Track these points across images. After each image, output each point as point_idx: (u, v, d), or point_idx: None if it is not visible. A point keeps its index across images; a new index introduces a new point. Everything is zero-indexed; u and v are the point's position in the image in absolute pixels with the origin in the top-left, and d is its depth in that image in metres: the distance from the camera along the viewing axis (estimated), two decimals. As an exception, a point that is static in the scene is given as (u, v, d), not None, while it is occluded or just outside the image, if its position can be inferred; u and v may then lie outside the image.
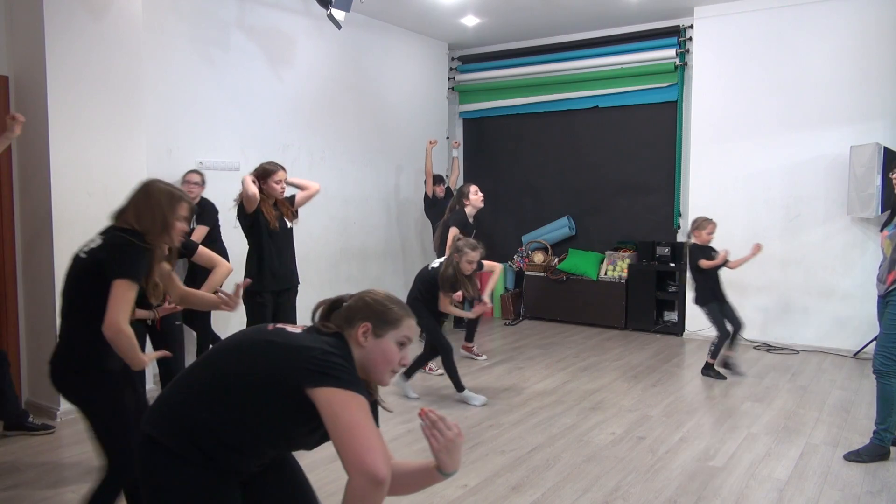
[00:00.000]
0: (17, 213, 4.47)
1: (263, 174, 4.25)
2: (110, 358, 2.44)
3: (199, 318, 5.12)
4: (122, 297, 2.33)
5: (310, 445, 1.84)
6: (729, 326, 5.31)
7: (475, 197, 5.54)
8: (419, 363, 4.78)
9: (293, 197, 4.51)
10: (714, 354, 5.33)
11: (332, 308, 1.88)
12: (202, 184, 5.08)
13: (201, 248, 3.48)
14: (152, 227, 2.46)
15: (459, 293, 4.63)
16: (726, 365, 5.42)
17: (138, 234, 2.44)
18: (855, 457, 3.63)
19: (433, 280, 4.56)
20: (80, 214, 4.31)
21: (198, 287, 3.43)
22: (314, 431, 1.76)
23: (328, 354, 1.70)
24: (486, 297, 4.80)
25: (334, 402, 1.62)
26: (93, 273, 2.39)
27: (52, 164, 4.20)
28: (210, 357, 1.82)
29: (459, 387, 4.62)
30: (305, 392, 1.64)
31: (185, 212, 2.56)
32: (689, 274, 5.51)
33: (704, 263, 5.20)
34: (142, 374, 3.59)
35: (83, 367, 2.44)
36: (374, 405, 1.88)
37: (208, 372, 1.77)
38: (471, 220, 5.63)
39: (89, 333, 2.39)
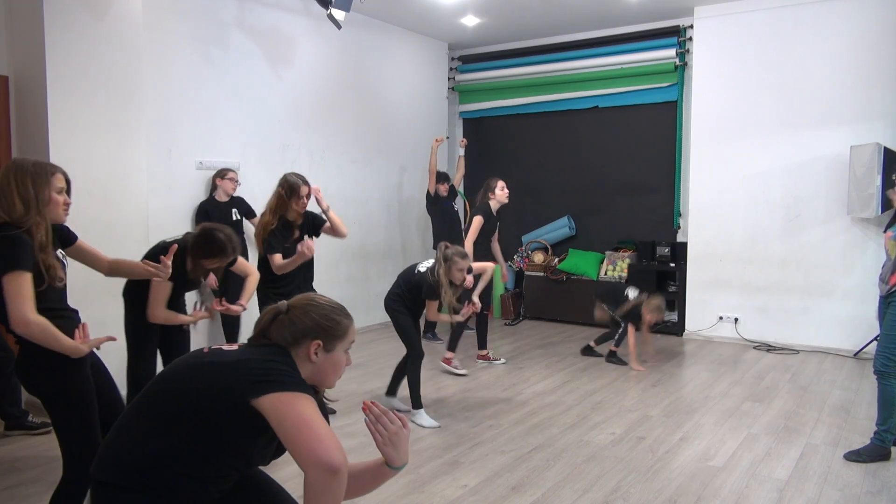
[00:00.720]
0: (17, 213, 4.46)
1: (290, 191, 4.15)
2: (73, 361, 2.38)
3: (229, 325, 5.32)
4: (18, 291, 2.21)
5: (267, 459, 1.83)
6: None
7: (501, 192, 5.55)
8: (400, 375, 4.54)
9: (320, 219, 4.39)
10: (618, 342, 5.72)
11: (270, 322, 1.83)
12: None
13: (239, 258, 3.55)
14: (21, 209, 2.28)
15: (470, 278, 4.47)
16: (611, 356, 5.77)
17: (8, 225, 2.27)
18: (855, 456, 3.62)
19: (418, 285, 4.33)
20: (80, 214, 4.28)
21: (233, 296, 3.61)
22: (270, 443, 1.76)
23: (267, 362, 1.70)
24: (475, 297, 4.72)
25: (279, 405, 1.62)
26: None
27: (52, 164, 4.20)
28: (151, 391, 1.77)
29: (417, 403, 4.33)
30: (251, 404, 1.62)
31: (60, 182, 2.41)
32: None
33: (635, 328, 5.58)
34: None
35: (45, 358, 2.34)
36: (321, 405, 1.86)
37: (152, 407, 1.73)
38: (495, 213, 5.62)
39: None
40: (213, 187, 5.47)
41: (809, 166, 6.19)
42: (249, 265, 3.78)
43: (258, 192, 5.96)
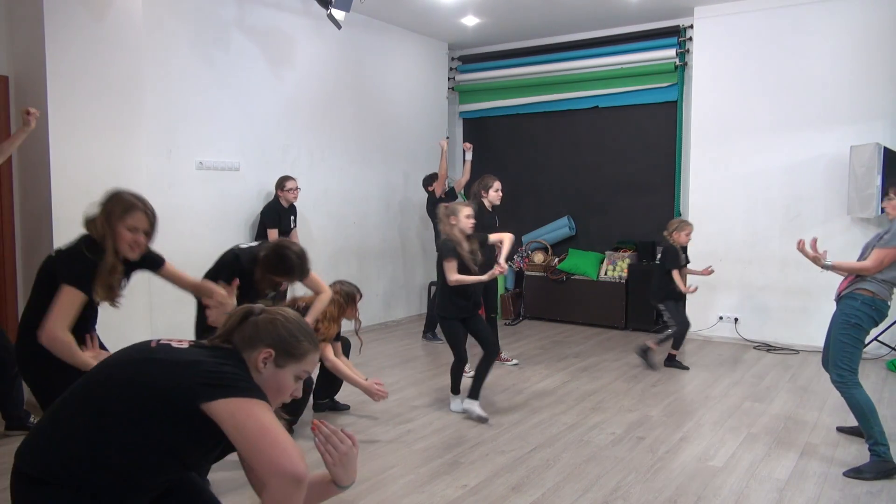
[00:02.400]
0: (17, 213, 4.47)
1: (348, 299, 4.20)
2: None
3: None
4: (64, 305, 2.36)
5: (203, 468, 1.77)
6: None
7: (494, 194, 5.50)
8: (480, 377, 4.40)
9: None
10: (676, 345, 5.55)
11: (239, 322, 1.77)
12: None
13: (312, 274, 3.57)
14: (100, 232, 2.49)
15: (505, 245, 4.53)
16: (671, 361, 5.62)
17: (92, 242, 2.49)
18: (855, 474, 3.42)
19: (439, 258, 4.33)
20: (80, 214, 4.24)
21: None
22: (210, 451, 1.68)
23: (220, 366, 1.63)
24: (502, 259, 4.60)
25: (235, 411, 1.54)
26: (49, 273, 2.48)
27: (52, 164, 4.20)
28: (89, 382, 1.67)
29: (456, 389, 4.50)
30: (200, 408, 1.55)
31: (135, 222, 2.54)
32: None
33: (676, 276, 5.42)
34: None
35: (44, 354, 2.43)
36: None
37: (88, 400, 1.63)
38: (490, 209, 5.55)
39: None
40: (276, 195, 5.80)
41: (809, 166, 6.19)
42: (322, 283, 3.75)
43: (258, 192, 5.97)
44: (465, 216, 4.29)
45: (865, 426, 3.46)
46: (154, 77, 5.06)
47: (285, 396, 1.76)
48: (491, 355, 4.39)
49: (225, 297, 2.85)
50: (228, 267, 3.31)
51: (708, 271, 5.54)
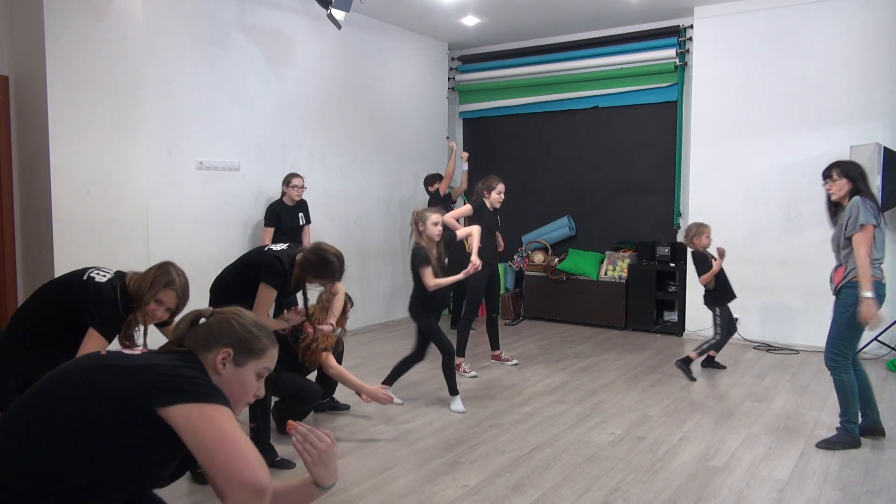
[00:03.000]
0: (17, 213, 4.47)
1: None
2: None
3: None
4: (90, 349, 2.45)
5: (162, 481, 1.65)
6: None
7: (496, 196, 5.48)
8: (403, 368, 4.56)
9: None
10: (702, 353, 5.38)
11: (189, 327, 1.72)
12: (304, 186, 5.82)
13: None
14: (135, 294, 2.65)
15: (474, 238, 4.76)
16: (710, 362, 5.55)
17: (127, 295, 2.63)
18: (826, 445, 3.77)
19: (412, 265, 4.39)
20: (80, 214, 4.32)
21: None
22: (166, 463, 1.58)
23: (177, 368, 1.55)
24: (474, 256, 4.74)
25: (194, 418, 1.46)
26: (74, 299, 2.57)
27: (52, 164, 4.20)
28: (36, 393, 1.57)
29: (454, 390, 4.53)
30: (157, 413, 1.46)
31: (164, 297, 2.67)
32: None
33: (704, 279, 5.32)
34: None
35: (28, 356, 2.59)
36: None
37: (34, 412, 1.53)
38: (491, 209, 5.53)
39: (35, 356, 2.56)
40: (282, 192, 5.78)
41: (809, 166, 6.17)
42: (338, 283, 3.75)
43: (258, 192, 5.97)
44: (431, 223, 4.38)
45: (844, 404, 3.76)
46: (154, 77, 5.06)
47: (249, 397, 1.70)
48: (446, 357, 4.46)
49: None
50: (276, 271, 3.31)
51: (720, 251, 5.31)
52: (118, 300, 2.59)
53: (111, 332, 2.58)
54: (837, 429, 3.85)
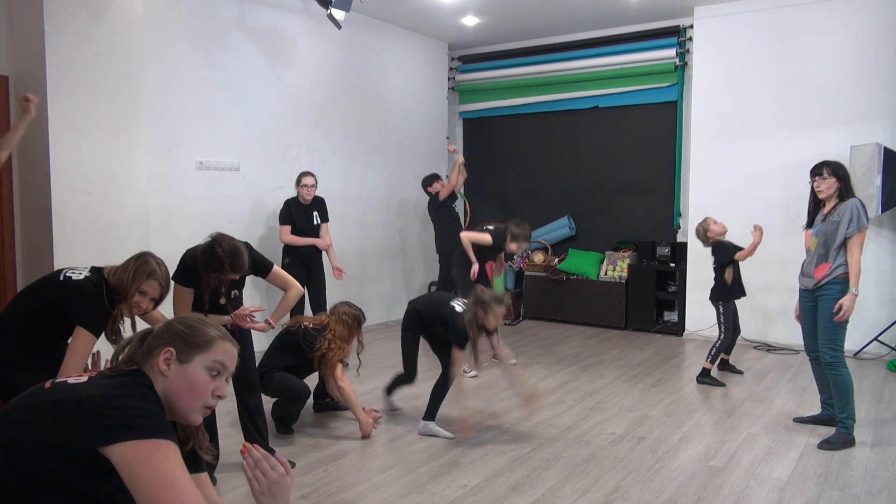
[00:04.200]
0: (17, 213, 4.47)
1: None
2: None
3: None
4: (80, 349, 2.46)
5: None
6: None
7: (514, 247, 5.37)
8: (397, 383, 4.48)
9: None
10: (714, 359, 5.19)
11: (140, 343, 1.62)
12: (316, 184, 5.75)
13: (275, 269, 3.54)
14: (118, 287, 2.63)
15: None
16: (726, 365, 5.42)
17: (110, 288, 2.62)
18: (828, 445, 3.80)
19: (450, 322, 4.01)
20: (80, 214, 4.31)
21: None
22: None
23: (118, 399, 1.43)
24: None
25: (131, 458, 1.35)
26: (55, 299, 2.55)
27: (52, 164, 4.20)
28: None
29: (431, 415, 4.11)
30: (100, 453, 1.36)
31: (147, 288, 2.66)
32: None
33: (741, 254, 5.17)
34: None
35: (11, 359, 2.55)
36: (194, 454, 1.64)
37: None
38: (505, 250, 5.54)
39: (25, 359, 2.55)
40: (297, 191, 5.75)
41: (809, 166, 6.12)
42: (291, 279, 3.57)
43: (258, 192, 5.97)
44: (493, 316, 3.90)
45: (844, 402, 3.80)
46: (154, 77, 5.06)
47: (205, 397, 1.59)
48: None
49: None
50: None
51: (758, 230, 5.15)
52: (102, 295, 2.57)
53: (99, 327, 2.56)
54: (837, 427, 3.87)
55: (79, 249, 4.29)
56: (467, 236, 5.54)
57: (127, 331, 2.75)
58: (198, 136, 5.45)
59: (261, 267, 3.47)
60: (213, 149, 5.58)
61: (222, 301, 3.29)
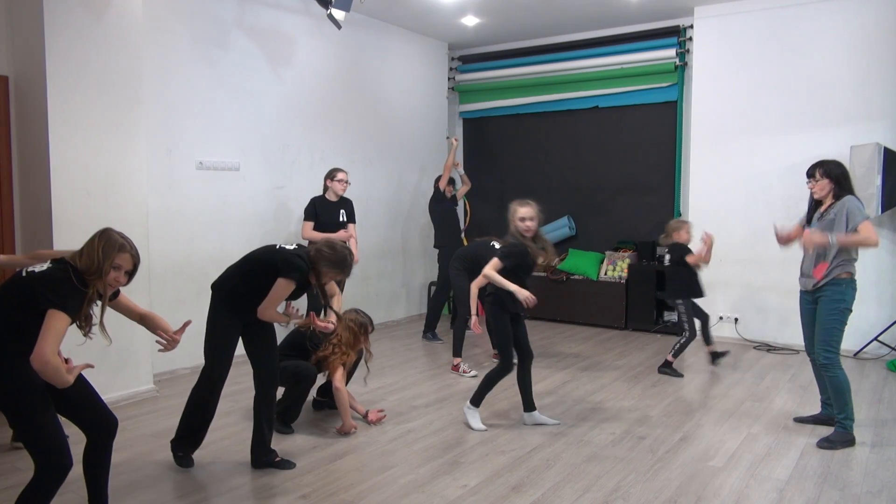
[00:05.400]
0: (17, 213, 4.47)
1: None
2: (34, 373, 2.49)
3: None
4: (54, 329, 2.42)
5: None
6: (697, 323, 5.48)
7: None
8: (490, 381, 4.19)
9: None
10: (677, 354, 5.40)
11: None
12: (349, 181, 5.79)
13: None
14: (89, 268, 2.58)
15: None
16: (715, 358, 5.59)
17: (78, 272, 2.57)
18: (827, 444, 3.82)
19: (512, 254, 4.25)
20: (80, 214, 4.31)
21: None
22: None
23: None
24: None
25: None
26: (26, 293, 2.51)
27: (52, 164, 4.19)
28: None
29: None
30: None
31: (121, 261, 2.64)
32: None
33: (692, 258, 5.34)
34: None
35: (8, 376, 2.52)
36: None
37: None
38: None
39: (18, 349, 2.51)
40: (325, 188, 5.72)
41: (809, 166, 6.17)
42: (334, 285, 3.82)
43: (258, 192, 5.97)
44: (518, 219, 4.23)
45: (842, 403, 3.82)
46: (154, 77, 5.06)
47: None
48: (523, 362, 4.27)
49: (177, 340, 2.95)
50: (297, 267, 3.33)
51: (707, 239, 5.26)
52: (71, 277, 2.53)
53: (74, 306, 2.50)
54: (835, 427, 3.88)
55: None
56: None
57: (97, 316, 2.69)
58: (198, 136, 5.45)
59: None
60: (213, 149, 5.58)
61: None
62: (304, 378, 4.02)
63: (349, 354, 4.08)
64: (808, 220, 4.03)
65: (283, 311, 3.49)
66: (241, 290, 3.42)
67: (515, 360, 4.21)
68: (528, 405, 4.25)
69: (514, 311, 4.18)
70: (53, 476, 2.55)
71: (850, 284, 3.81)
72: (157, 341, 2.95)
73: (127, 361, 4.60)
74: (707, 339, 5.57)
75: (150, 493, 3.25)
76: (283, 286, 3.32)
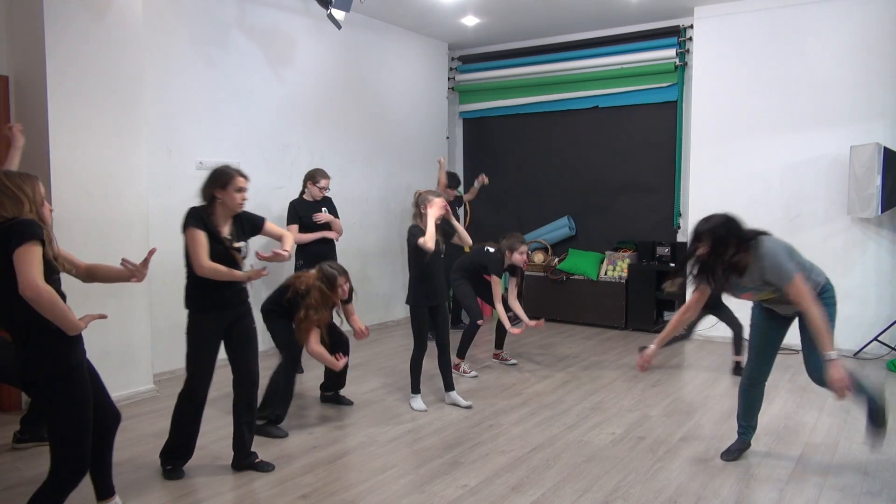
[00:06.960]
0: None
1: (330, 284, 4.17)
2: (74, 351, 2.46)
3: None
4: (30, 260, 2.29)
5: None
6: (729, 331, 5.47)
7: (518, 257, 5.38)
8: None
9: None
10: (739, 350, 5.39)
11: None
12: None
13: (268, 224, 3.61)
14: (19, 208, 2.42)
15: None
16: (740, 368, 5.53)
17: (20, 218, 2.41)
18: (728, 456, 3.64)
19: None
20: (80, 214, 4.31)
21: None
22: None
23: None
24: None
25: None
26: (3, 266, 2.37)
27: (52, 164, 4.20)
28: None
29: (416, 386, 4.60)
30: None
31: (43, 190, 2.54)
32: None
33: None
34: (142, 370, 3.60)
35: (51, 365, 2.46)
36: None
37: None
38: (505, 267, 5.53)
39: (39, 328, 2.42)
40: (303, 189, 5.63)
41: (809, 166, 6.19)
42: (282, 230, 3.68)
43: (258, 192, 5.96)
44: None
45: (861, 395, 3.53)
46: (154, 77, 5.06)
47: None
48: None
49: (143, 272, 2.95)
50: (22, 224, 2.54)
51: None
52: (20, 221, 2.39)
53: (34, 233, 2.35)
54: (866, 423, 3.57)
55: (79, 249, 4.25)
56: (497, 296, 5.61)
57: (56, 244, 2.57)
58: (198, 135, 5.45)
59: (258, 222, 3.59)
60: (213, 149, 5.58)
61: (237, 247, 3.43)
62: (286, 359, 4.04)
63: (322, 312, 3.98)
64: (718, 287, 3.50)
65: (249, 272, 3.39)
66: (188, 278, 3.39)
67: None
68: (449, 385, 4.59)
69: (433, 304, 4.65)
70: (75, 480, 2.55)
71: (826, 288, 3.53)
72: (122, 265, 2.85)
73: (127, 361, 4.61)
74: (738, 348, 5.43)
75: (151, 492, 3.25)
76: (191, 237, 3.43)
